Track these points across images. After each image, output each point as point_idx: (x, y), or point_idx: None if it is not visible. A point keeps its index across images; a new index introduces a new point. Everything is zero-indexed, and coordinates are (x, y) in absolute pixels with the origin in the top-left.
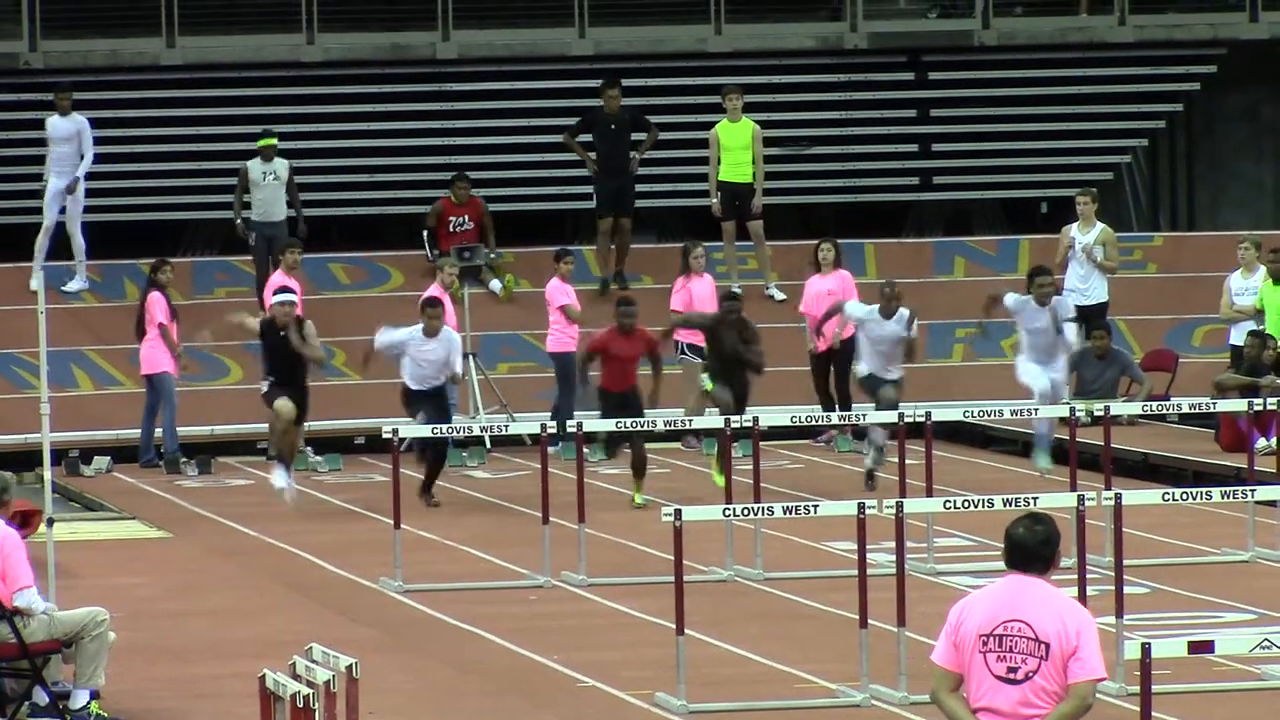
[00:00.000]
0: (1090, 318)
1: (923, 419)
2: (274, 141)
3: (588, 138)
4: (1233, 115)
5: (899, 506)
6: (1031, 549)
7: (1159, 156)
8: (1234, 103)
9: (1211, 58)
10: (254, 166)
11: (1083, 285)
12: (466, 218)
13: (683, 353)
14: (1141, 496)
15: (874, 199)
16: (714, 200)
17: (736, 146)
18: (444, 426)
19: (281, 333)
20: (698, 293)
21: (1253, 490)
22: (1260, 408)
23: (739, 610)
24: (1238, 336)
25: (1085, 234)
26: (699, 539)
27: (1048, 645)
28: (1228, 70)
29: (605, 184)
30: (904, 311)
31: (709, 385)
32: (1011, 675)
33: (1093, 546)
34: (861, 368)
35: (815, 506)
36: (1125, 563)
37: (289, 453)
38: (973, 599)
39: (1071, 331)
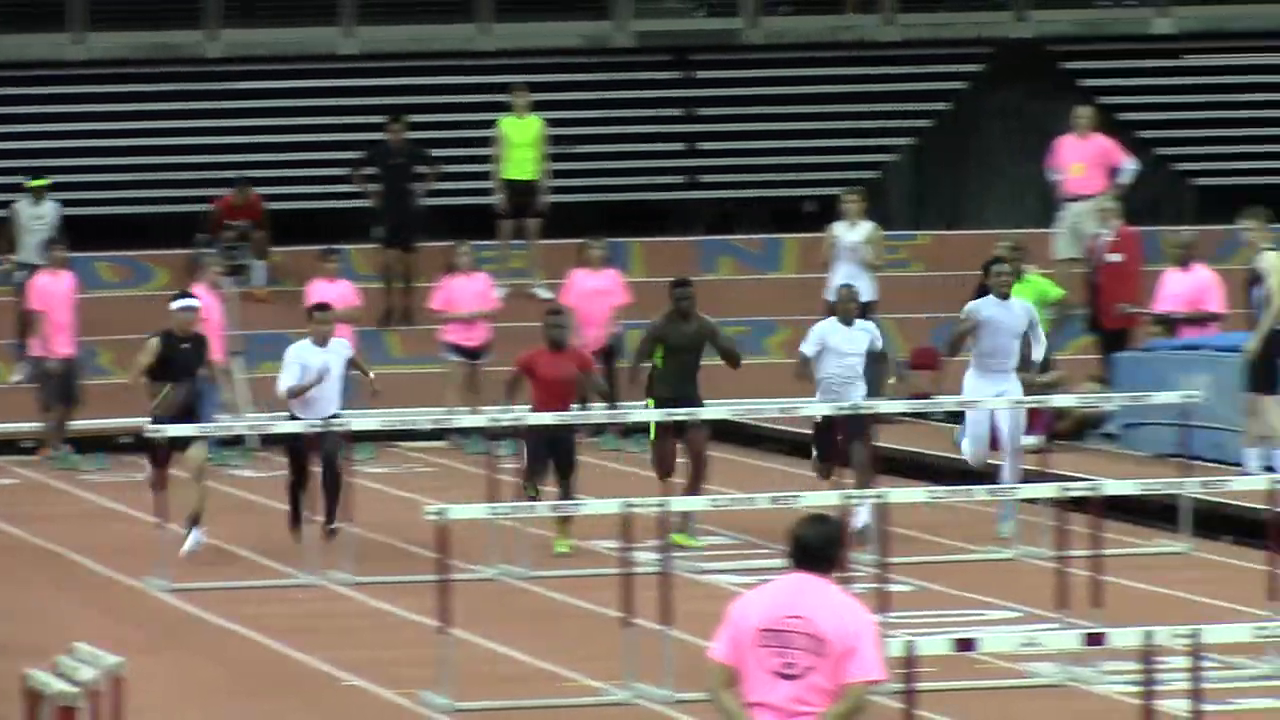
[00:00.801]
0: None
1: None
2: (45, 182)
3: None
4: (999, 114)
5: (664, 505)
6: (815, 549)
7: (926, 155)
8: (1000, 101)
9: (978, 56)
10: (23, 209)
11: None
12: (245, 219)
13: (449, 352)
14: (907, 495)
15: (641, 197)
16: (498, 197)
17: (523, 143)
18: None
19: (184, 345)
20: (460, 292)
21: (1015, 489)
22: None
23: (505, 609)
24: None
25: (851, 233)
26: (466, 538)
27: (826, 643)
28: (994, 69)
29: (387, 217)
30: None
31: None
32: (788, 671)
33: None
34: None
35: (580, 505)
36: (892, 560)
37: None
38: (754, 595)
39: (1037, 332)
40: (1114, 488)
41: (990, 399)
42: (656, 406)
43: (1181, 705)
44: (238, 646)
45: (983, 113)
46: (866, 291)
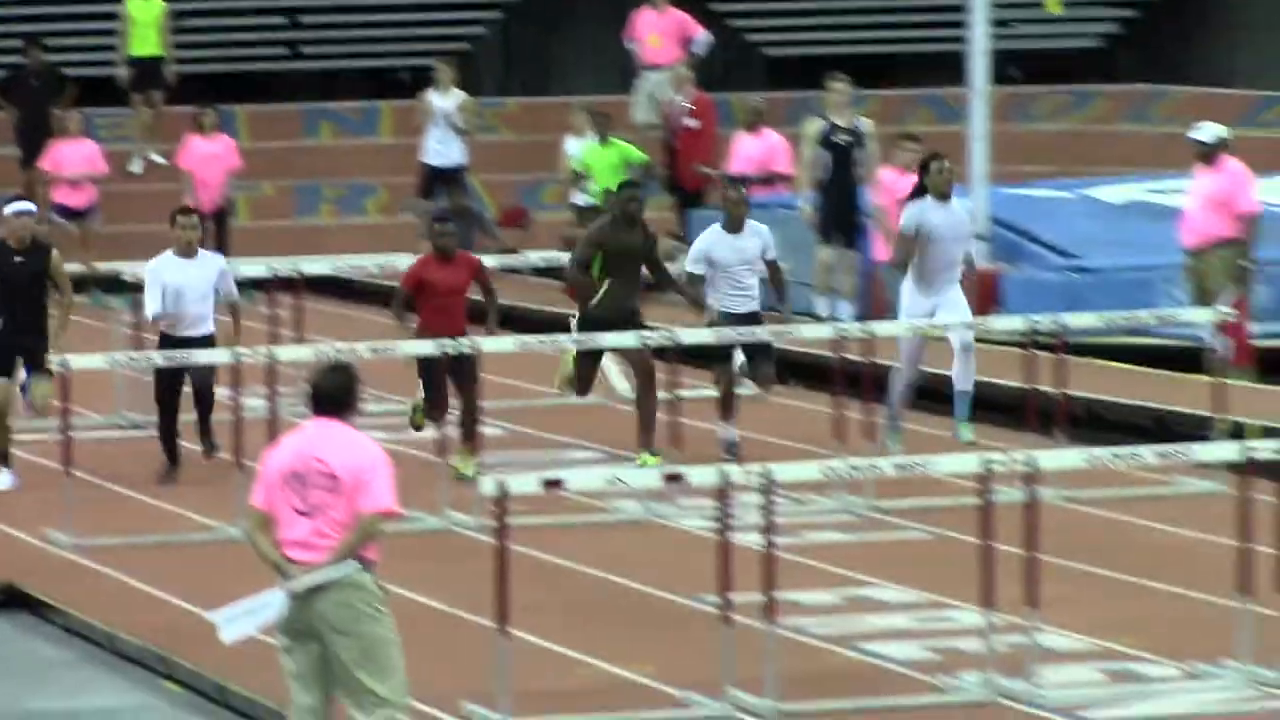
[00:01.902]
0: (450, 179)
1: (295, 274)
2: None
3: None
4: None
5: (271, 355)
6: (331, 395)
7: (514, 25)
8: None
9: None
10: None
11: (441, 147)
12: None
13: (55, 213)
14: (498, 344)
15: (246, 68)
16: (122, 71)
17: (146, 22)
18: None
19: (18, 258)
20: (68, 155)
21: (599, 338)
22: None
23: None
24: (579, 197)
25: (444, 100)
26: None
27: (339, 480)
28: None
29: (23, 138)
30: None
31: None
32: (306, 508)
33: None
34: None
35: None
36: (485, 404)
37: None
38: (282, 443)
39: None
40: (690, 337)
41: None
42: (589, 326)
43: (755, 539)
44: None
45: None
46: (458, 155)
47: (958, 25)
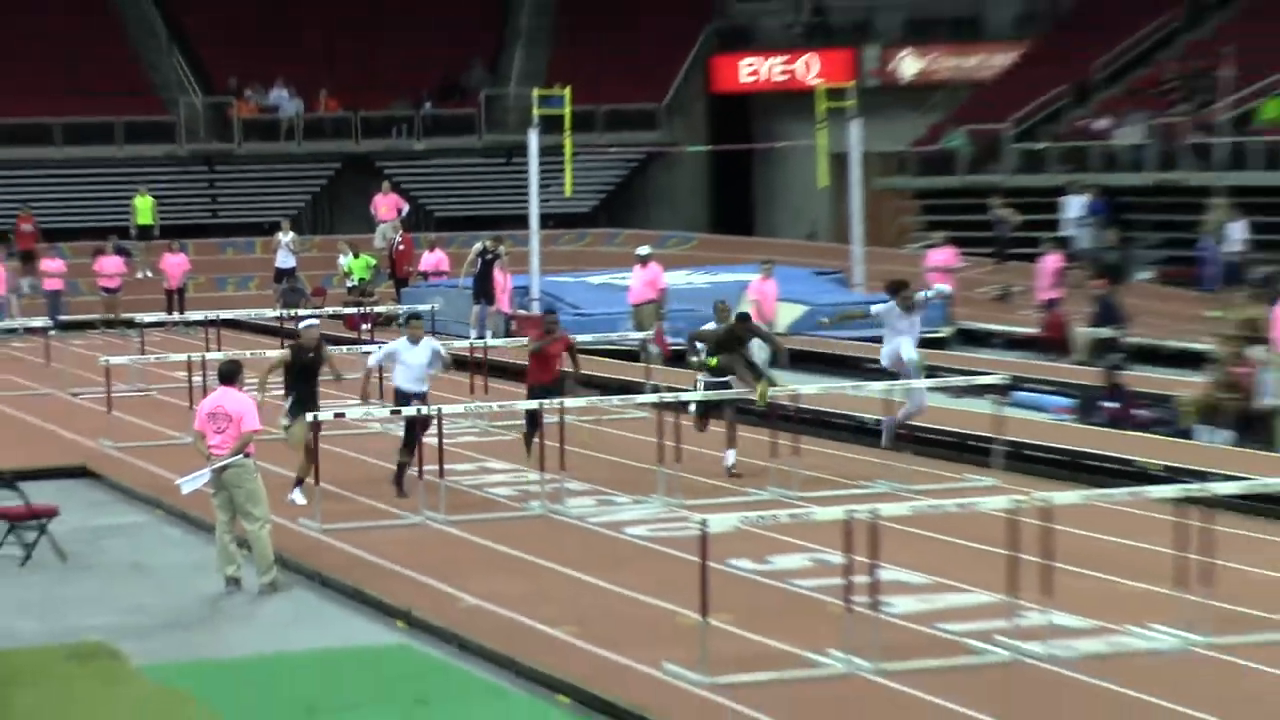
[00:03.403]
0: (288, 274)
1: (215, 318)
2: None
3: None
4: None
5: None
6: (225, 374)
7: (319, 202)
8: None
9: None
10: None
11: (284, 258)
12: None
13: None
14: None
15: (188, 222)
16: (133, 230)
17: (144, 209)
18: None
19: (310, 354)
20: (106, 265)
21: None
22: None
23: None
24: (347, 283)
25: (285, 235)
26: None
27: (231, 417)
28: None
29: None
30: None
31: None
32: (219, 430)
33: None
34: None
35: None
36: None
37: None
38: (206, 399)
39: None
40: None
41: None
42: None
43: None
44: None
45: None
46: (292, 262)
47: (523, 194)
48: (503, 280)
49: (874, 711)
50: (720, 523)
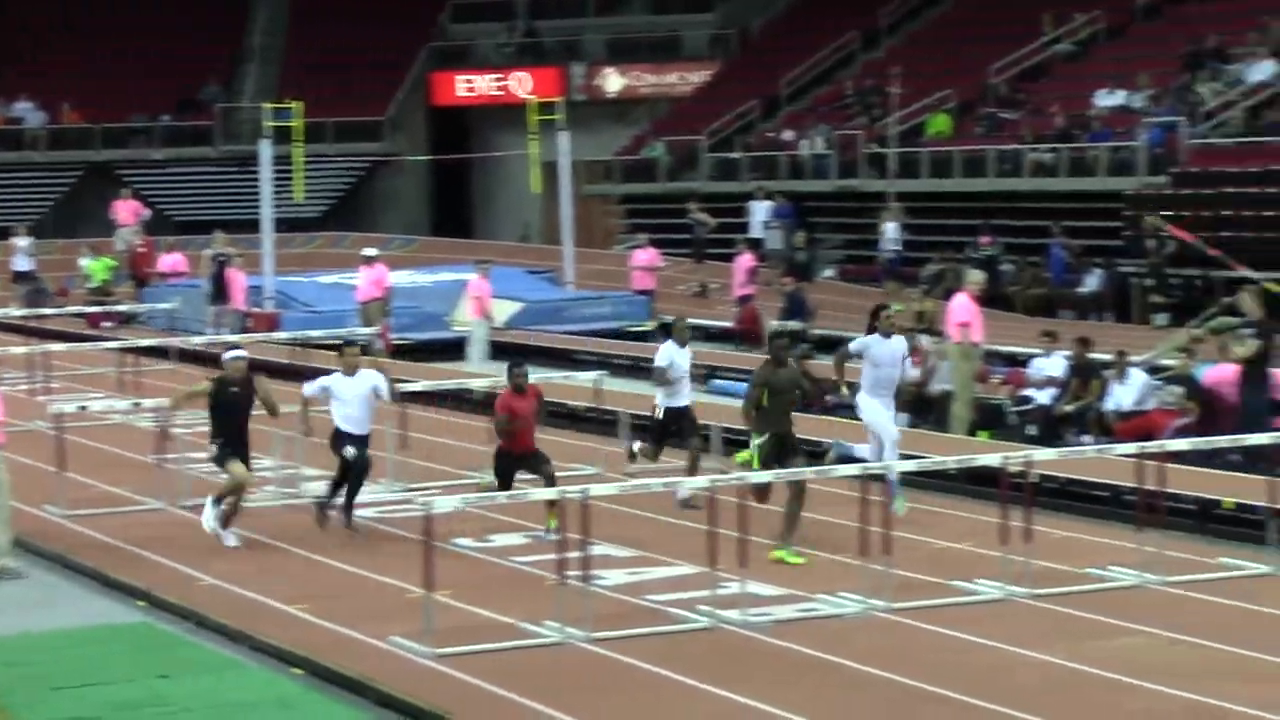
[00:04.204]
0: (26, 276)
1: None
2: None
3: None
4: None
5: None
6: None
7: (67, 204)
8: None
9: None
10: None
11: (22, 261)
12: None
13: None
14: None
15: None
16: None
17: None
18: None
19: (234, 389)
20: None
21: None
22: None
23: None
24: (88, 284)
25: (23, 240)
26: None
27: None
28: None
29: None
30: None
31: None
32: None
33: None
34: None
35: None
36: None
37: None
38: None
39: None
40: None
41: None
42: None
43: None
44: None
45: None
46: (32, 265)
47: (257, 200)
48: (237, 280)
49: (587, 677)
50: (444, 503)
